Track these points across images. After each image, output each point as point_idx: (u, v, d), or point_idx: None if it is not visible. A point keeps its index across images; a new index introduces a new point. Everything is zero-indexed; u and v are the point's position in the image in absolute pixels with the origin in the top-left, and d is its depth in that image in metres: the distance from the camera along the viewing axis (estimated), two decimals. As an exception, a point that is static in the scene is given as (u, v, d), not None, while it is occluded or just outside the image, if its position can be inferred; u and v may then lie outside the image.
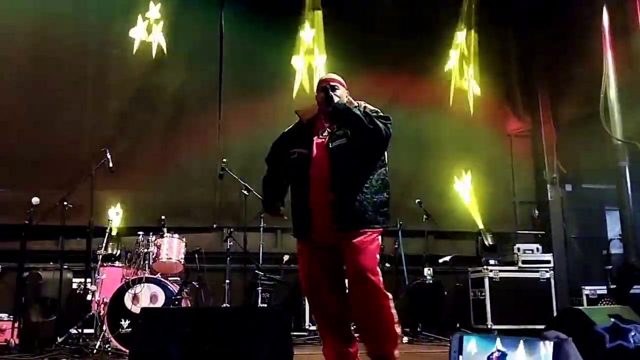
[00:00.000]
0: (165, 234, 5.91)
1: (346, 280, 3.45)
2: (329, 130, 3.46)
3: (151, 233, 5.92)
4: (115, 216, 6.32)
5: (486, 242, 7.85)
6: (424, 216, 7.30)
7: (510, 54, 9.13)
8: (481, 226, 8.06)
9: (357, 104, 3.44)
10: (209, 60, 8.04)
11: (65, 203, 5.62)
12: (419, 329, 6.85)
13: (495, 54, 8.95)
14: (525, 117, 9.01)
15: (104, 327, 5.29)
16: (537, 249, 7.76)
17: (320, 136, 3.46)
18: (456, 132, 8.43)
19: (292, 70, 8.17)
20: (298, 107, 3.69)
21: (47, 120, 7.36)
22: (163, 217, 6.10)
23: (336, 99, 3.38)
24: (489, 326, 7.14)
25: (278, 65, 8.14)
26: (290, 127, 3.62)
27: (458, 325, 7.50)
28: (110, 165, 5.93)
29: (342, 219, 3.28)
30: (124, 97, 7.70)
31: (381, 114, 3.43)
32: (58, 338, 5.46)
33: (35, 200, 5.48)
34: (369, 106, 3.47)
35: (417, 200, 7.38)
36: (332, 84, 3.47)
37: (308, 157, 3.40)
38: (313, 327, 7.02)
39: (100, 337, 5.23)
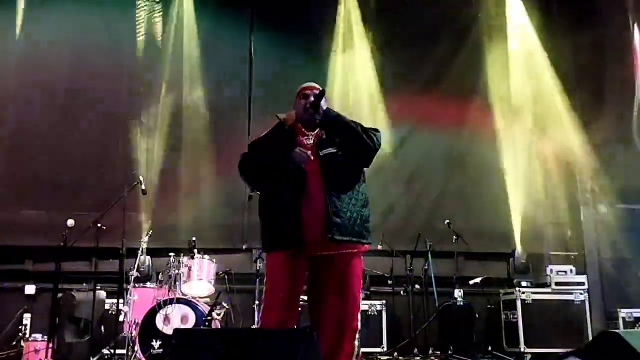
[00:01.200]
0: (196, 255, 5.98)
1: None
2: (313, 138, 3.38)
3: (182, 254, 5.99)
4: (147, 237, 6.41)
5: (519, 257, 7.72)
6: (454, 237, 7.23)
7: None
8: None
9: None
10: (239, 81, 8.16)
11: (98, 225, 5.72)
12: (450, 352, 6.76)
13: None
14: (558, 136, 8.88)
15: (136, 348, 5.34)
16: (571, 270, 7.58)
17: (307, 143, 3.37)
18: (487, 150, 8.34)
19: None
20: (278, 113, 3.55)
21: (81, 145, 7.53)
22: (194, 238, 6.17)
23: (325, 106, 3.34)
24: (522, 349, 7.00)
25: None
26: (270, 130, 3.49)
27: (490, 348, 7.38)
28: (143, 187, 6.05)
29: (335, 230, 3.19)
30: (155, 120, 7.84)
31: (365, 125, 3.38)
32: (91, 358, 5.53)
33: (70, 222, 5.59)
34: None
35: (446, 221, 7.33)
36: (315, 92, 3.41)
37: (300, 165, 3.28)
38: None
39: (132, 357, 5.29)
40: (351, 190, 3.31)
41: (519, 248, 7.95)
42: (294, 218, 3.19)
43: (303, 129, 3.42)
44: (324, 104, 3.37)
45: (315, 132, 3.40)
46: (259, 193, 3.55)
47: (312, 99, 3.37)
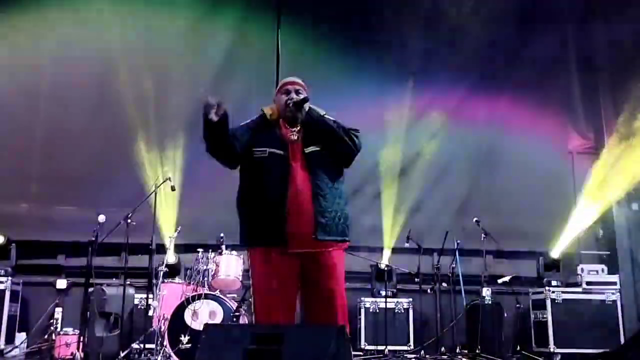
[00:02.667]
0: (224, 251, 6.01)
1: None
2: (297, 134, 3.35)
3: (210, 250, 6.04)
4: (176, 233, 6.47)
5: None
6: (483, 235, 7.15)
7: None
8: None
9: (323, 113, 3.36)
10: (265, 80, 8.15)
11: (129, 220, 5.80)
12: (478, 351, 6.70)
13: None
14: (589, 133, 8.74)
15: (165, 343, 5.40)
16: (603, 269, 7.43)
17: (292, 139, 3.33)
18: (517, 147, 8.23)
19: (351, 89, 8.18)
20: (262, 105, 3.48)
21: (112, 142, 7.63)
22: (222, 234, 6.20)
23: (307, 106, 3.31)
24: (552, 350, 6.90)
25: (335, 86, 8.16)
26: (251, 120, 3.42)
27: (518, 348, 7.29)
28: (172, 184, 6.12)
29: (321, 227, 3.19)
30: (184, 117, 7.88)
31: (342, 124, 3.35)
32: (121, 352, 5.61)
33: (101, 217, 5.67)
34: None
35: (474, 219, 7.25)
36: (296, 87, 3.40)
37: (285, 159, 3.26)
38: (369, 347, 6.97)
39: (161, 352, 5.34)
40: (335, 189, 3.30)
41: (549, 247, 7.83)
42: (277, 214, 3.18)
43: (286, 125, 3.39)
44: (306, 105, 3.34)
45: (299, 128, 3.38)
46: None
47: (293, 95, 3.36)
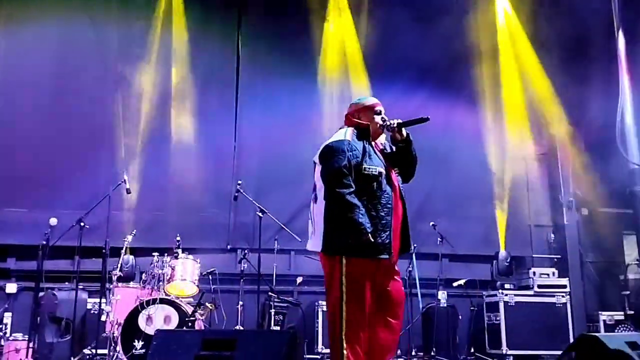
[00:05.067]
0: (180, 255, 5.95)
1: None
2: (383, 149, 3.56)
3: (166, 254, 5.97)
4: (131, 237, 6.37)
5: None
6: (439, 239, 7.26)
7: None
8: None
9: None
10: (225, 81, 8.13)
11: (82, 224, 5.68)
12: (432, 353, 6.79)
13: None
14: (542, 140, 8.97)
15: (118, 348, 5.31)
16: (553, 273, 7.67)
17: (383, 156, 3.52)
18: (473, 152, 8.38)
19: (310, 91, 8.22)
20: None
21: (65, 143, 7.45)
22: (178, 238, 6.14)
23: (405, 132, 3.50)
24: (504, 352, 7.04)
25: (297, 88, 8.19)
26: (350, 139, 3.44)
27: (472, 350, 7.42)
28: (127, 186, 6.03)
29: (407, 241, 3.45)
30: (140, 119, 7.78)
31: None
32: (72, 358, 5.49)
33: (52, 221, 5.55)
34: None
35: (431, 223, 7.35)
36: (382, 108, 3.59)
37: (387, 174, 3.43)
38: (326, 350, 6.98)
39: (114, 358, 5.25)
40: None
41: (502, 250, 8.00)
42: (386, 225, 3.32)
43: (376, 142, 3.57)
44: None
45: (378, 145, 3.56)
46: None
47: (385, 116, 3.53)
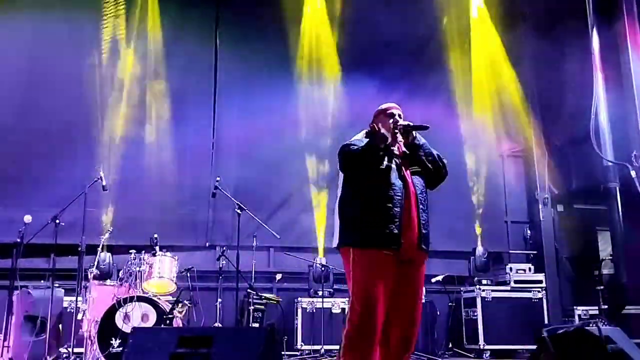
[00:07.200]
0: (158, 253, 5.91)
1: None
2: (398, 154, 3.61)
3: (143, 251, 5.92)
4: (108, 234, 6.30)
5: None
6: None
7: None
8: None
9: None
10: (203, 78, 8.09)
11: (57, 221, 5.61)
12: (411, 349, 6.83)
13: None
14: (518, 137, 9.06)
15: (95, 347, 5.26)
16: (530, 268, 7.77)
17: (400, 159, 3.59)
18: (449, 149, 8.42)
19: (287, 89, 8.21)
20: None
21: (40, 140, 7.37)
22: (155, 235, 6.10)
23: (418, 137, 3.58)
24: (481, 347, 7.13)
25: (274, 86, 8.18)
26: (361, 139, 3.63)
27: (450, 345, 7.49)
28: (104, 183, 5.96)
29: (424, 240, 3.46)
30: (117, 116, 7.71)
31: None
32: (48, 357, 5.42)
33: (27, 218, 5.48)
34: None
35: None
36: (399, 112, 3.66)
37: (400, 171, 3.51)
38: (306, 347, 7.00)
39: (91, 356, 5.20)
40: (426, 206, 3.57)
41: (479, 247, 8.07)
42: (395, 218, 3.37)
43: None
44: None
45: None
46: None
47: (398, 119, 3.61)
